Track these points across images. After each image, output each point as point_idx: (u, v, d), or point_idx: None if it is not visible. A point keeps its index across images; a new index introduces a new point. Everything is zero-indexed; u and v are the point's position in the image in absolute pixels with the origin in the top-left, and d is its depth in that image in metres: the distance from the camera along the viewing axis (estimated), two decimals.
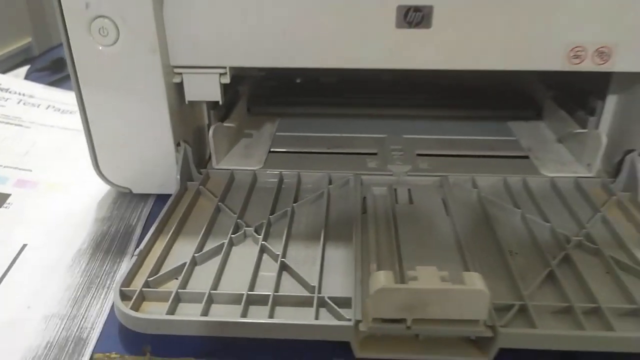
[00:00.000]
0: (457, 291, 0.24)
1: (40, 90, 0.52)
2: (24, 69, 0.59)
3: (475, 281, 0.24)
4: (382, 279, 0.24)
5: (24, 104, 0.49)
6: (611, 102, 0.38)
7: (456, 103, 0.49)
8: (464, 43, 0.33)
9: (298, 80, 0.56)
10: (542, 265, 0.29)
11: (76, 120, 0.48)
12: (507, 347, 0.25)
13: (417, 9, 0.32)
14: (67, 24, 0.33)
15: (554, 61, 0.33)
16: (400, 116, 0.48)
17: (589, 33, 0.32)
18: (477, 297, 0.24)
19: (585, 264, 0.30)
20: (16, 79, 0.55)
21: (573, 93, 0.43)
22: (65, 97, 0.52)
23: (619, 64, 0.33)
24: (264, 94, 0.52)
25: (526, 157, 0.41)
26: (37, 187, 0.39)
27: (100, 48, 0.33)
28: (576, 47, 0.33)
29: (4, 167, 0.41)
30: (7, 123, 0.46)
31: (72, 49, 0.34)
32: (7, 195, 0.38)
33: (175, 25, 0.33)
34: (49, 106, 0.50)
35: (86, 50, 0.34)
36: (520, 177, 0.38)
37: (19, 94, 0.50)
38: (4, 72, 0.61)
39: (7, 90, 0.51)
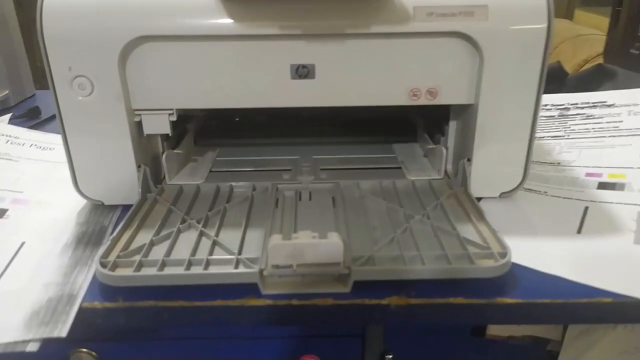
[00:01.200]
0: (321, 243, 0.37)
1: (24, 132, 0.64)
2: (7, 117, 0.71)
3: (334, 237, 0.38)
4: (274, 238, 0.38)
5: (11, 143, 0.61)
6: (453, 125, 0.54)
7: (355, 131, 0.65)
8: (338, 88, 0.48)
9: (237, 119, 0.70)
10: (391, 233, 0.43)
11: (55, 155, 0.60)
12: (358, 280, 0.38)
13: (304, 66, 0.47)
14: (54, 82, 0.46)
15: (401, 98, 0.48)
16: (313, 143, 0.63)
17: (421, 80, 0.48)
18: (334, 246, 0.37)
19: (420, 232, 0.44)
20: (2, 124, 0.67)
21: (434, 120, 0.59)
22: (45, 137, 0.64)
23: (443, 99, 0.48)
24: (208, 130, 0.66)
25: (399, 167, 0.56)
26: (29, 204, 0.51)
27: (80, 98, 0.46)
28: (414, 89, 0.48)
29: (0, 190, 0.53)
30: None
31: (58, 99, 0.46)
32: (5, 210, 0.50)
33: (135, 80, 0.47)
34: (32, 144, 0.62)
35: (69, 100, 0.46)
36: (392, 181, 0.53)
37: (6, 135, 0.62)
38: None
39: None
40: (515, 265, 0.41)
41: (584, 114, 0.64)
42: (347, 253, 0.39)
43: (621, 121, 0.61)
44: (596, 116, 0.64)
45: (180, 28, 0.45)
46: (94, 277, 0.40)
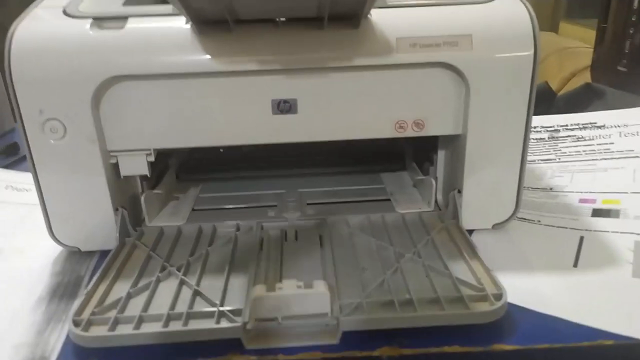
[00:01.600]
0: (306, 294, 0.35)
1: (0, 173, 0.62)
2: None
3: (320, 286, 0.36)
4: (257, 290, 0.36)
5: None
6: (442, 155, 0.52)
7: (341, 162, 0.63)
8: (321, 122, 0.46)
9: (221, 150, 0.68)
10: (381, 275, 0.41)
11: (32, 197, 0.57)
12: (348, 330, 0.36)
13: (285, 101, 0.45)
14: (25, 125, 0.44)
15: (387, 131, 0.47)
16: (298, 175, 0.61)
17: (407, 111, 0.46)
18: (321, 297, 0.35)
19: (412, 273, 0.42)
20: None
21: (423, 149, 0.57)
22: (20, 178, 0.62)
23: (430, 130, 0.47)
24: (191, 165, 0.64)
25: (388, 199, 0.54)
26: (2, 252, 0.49)
27: (52, 142, 0.44)
28: (400, 121, 0.47)
29: None
30: None
31: (29, 143, 0.44)
32: None
33: (110, 121, 0.45)
34: (7, 186, 0.59)
35: (40, 144, 0.44)
36: (380, 215, 0.51)
37: None
38: None
39: None
40: (511, 305, 0.39)
41: (574, 135, 0.63)
42: (334, 302, 0.37)
43: (612, 143, 0.60)
44: (587, 138, 0.63)
45: (156, 66, 0.43)
46: (67, 337, 0.37)
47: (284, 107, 0.45)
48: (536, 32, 0.44)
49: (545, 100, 0.59)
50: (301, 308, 0.35)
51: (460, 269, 0.42)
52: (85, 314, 0.38)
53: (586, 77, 1.12)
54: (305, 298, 0.35)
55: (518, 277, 0.43)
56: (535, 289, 0.42)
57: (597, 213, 0.52)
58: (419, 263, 0.43)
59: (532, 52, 0.44)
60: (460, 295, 0.38)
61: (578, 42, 1.39)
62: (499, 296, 0.38)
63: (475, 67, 0.44)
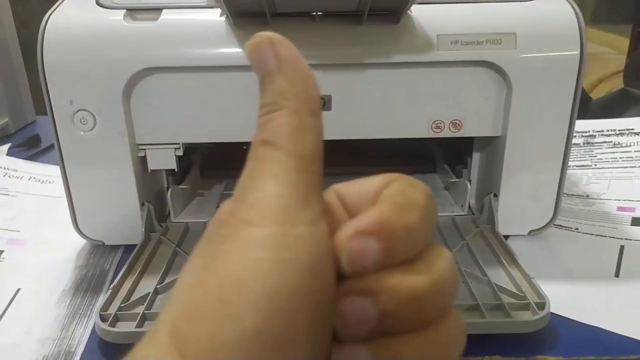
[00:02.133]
0: None
1: (22, 165, 0.61)
2: (6, 147, 0.68)
3: None
4: None
5: (9, 177, 0.58)
6: (476, 158, 0.51)
7: (369, 161, 0.61)
8: (355, 120, 0.45)
9: (245, 147, 0.67)
10: None
11: (54, 189, 0.57)
12: None
13: (320, 97, 0.44)
14: (55, 116, 0.43)
15: (422, 131, 0.45)
16: (326, 174, 0.60)
17: (445, 111, 0.45)
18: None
19: None
20: (1, 155, 0.64)
21: (455, 151, 0.56)
22: (44, 170, 0.61)
23: (468, 131, 0.45)
24: (215, 161, 0.63)
25: None
26: (25, 244, 0.48)
27: (81, 133, 0.43)
28: (437, 121, 0.45)
29: None
30: None
31: (59, 134, 0.44)
32: (1, 252, 0.47)
33: (140, 114, 0.44)
34: (30, 177, 0.59)
35: (70, 135, 0.43)
36: None
37: (4, 168, 0.60)
38: None
39: None
40: (553, 315, 0.37)
41: (610, 141, 0.61)
42: None
43: None
44: (623, 144, 0.60)
45: (188, 59, 0.42)
46: (94, 330, 0.36)
47: None
48: (582, 31, 0.42)
49: (580, 105, 0.58)
50: None
51: (499, 276, 0.40)
52: (112, 309, 0.37)
53: (614, 83, 1.09)
54: None
55: (558, 286, 0.42)
56: (577, 298, 0.40)
57: (636, 222, 0.50)
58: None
59: (578, 51, 0.42)
60: (501, 302, 0.36)
61: (605, 48, 1.37)
62: (541, 305, 0.36)
63: (518, 66, 0.42)
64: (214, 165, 0.62)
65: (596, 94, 1.12)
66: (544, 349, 0.35)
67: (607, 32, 1.47)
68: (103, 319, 0.36)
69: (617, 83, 1.04)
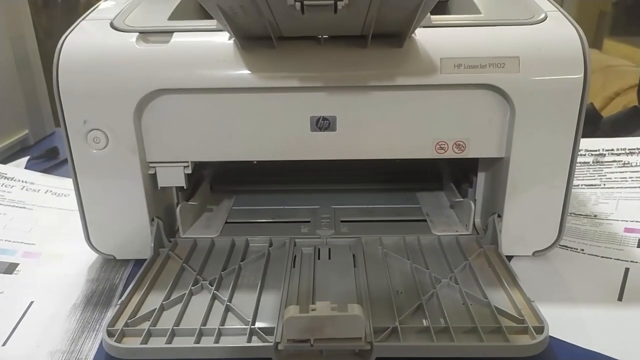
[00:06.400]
0: (340, 317, 0.34)
1: (40, 178, 0.63)
2: (24, 160, 0.71)
3: (355, 310, 0.35)
4: (291, 310, 0.35)
5: (27, 189, 0.60)
6: (481, 178, 0.51)
7: (377, 179, 0.62)
8: (360, 140, 0.45)
9: (255, 162, 0.68)
10: (416, 300, 0.40)
11: (70, 202, 0.59)
12: (381, 356, 0.35)
13: (325, 118, 0.45)
14: (69, 135, 0.44)
15: (426, 152, 0.46)
16: (333, 190, 0.61)
17: (448, 133, 0.45)
18: (355, 320, 0.35)
19: (448, 299, 0.41)
20: (19, 169, 0.66)
21: (462, 169, 0.56)
22: (61, 183, 0.63)
23: (471, 152, 0.46)
24: (225, 176, 0.64)
25: (424, 220, 0.53)
26: (39, 257, 0.50)
27: (94, 151, 0.45)
28: (440, 142, 0.46)
29: (13, 242, 0.51)
30: (14, 206, 0.57)
31: (72, 152, 0.45)
32: (17, 264, 0.48)
33: (151, 133, 0.45)
34: (47, 191, 0.61)
35: (83, 153, 0.45)
36: (416, 236, 0.50)
37: (22, 181, 0.62)
38: (4, 160, 0.73)
39: (12, 179, 0.62)
40: (552, 339, 0.38)
41: (620, 161, 0.61)
42: (368, 326, 0.36)
43: None
44: (633, 164, 0.60)
45: (198, 81, 0.43)
46: (101, 345, 0.38)
47: (323, 124, 0.45)
48: (586, 55, 0.42)
49: (591, 123, 0.57)
50: (334, 331, 0.35)
51: (499, 298, 0.40)
52: (119, 325, 0.38)
53: (631, 97, 1.08)
54: (339, 320, 0.34)
55: (559, 309, 0.42)
56: (578, 322, 0.40)
57: None
58: (456, 289, 0.42)
59: (582, 75, 0.42)
60: (500, 326, 0.37)
61: (622, 60, 1.35)
62: (540, 329, 0.36)
63: (522, 89, 0.42)
64: (224, 180, 0.63)
65: (612, 108, 1.10)
66: None
67: (626, 44, 1.45)
68: (110, 334, 0.37)
69: (633, 97, 1.03)
